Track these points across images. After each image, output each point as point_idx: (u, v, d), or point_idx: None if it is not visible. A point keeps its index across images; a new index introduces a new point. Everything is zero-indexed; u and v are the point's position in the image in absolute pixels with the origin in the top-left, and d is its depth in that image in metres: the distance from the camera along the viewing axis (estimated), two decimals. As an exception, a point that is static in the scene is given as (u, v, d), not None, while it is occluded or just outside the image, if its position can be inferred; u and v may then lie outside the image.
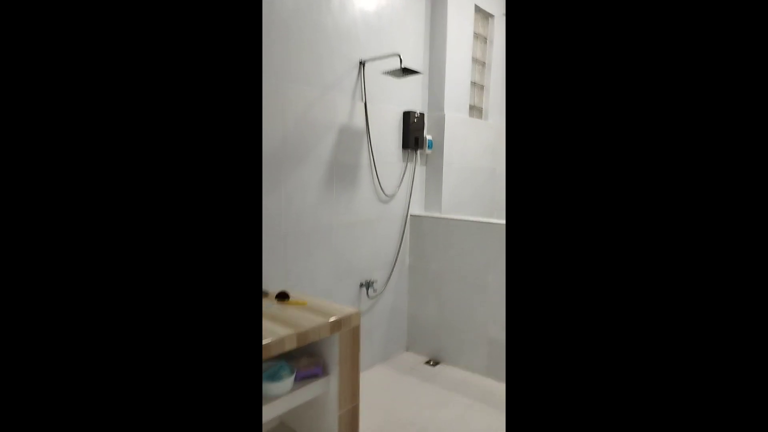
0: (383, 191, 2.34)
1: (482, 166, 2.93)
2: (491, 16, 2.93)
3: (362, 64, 2.13)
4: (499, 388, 2.20)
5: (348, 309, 1.57)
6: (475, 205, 2.87)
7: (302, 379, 1.52)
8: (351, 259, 2.20)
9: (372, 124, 2.22)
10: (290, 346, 1.32)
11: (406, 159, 2.47)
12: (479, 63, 2.93)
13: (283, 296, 1.64)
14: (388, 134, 2.34)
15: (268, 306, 1.58)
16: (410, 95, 2.46)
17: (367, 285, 2.28)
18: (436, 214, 2.53)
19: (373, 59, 2.12)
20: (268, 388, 1.39)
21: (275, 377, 1.43)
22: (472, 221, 2.33)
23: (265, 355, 1.24)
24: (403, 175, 2.46)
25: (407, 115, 2.40)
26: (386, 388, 2.18)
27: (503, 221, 2.27)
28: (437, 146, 2.55)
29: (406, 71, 2.01)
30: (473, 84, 2.86)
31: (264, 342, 1.25)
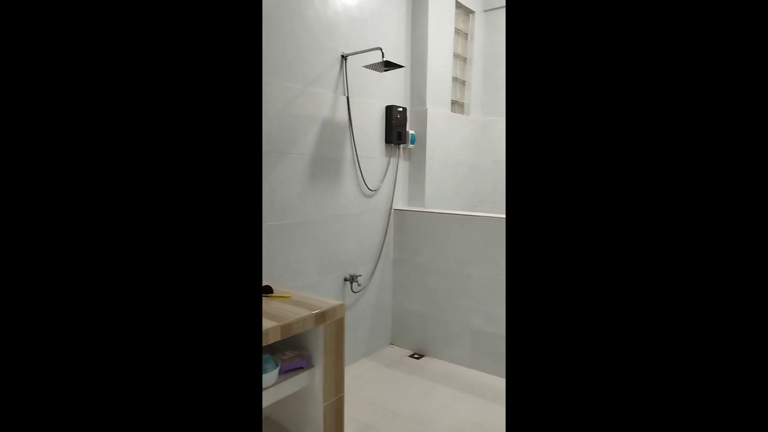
0: (367, 185, 2.35)
1: (464, 161, 2.96)
2: (472, 12, 2.96)
3: (344, 57, 2.12)
4: (483, 379, 2.23)
5: (332, 301, 1.57)
6: (457, 199, 2.90)
7: (286, 371, 1.51)
8: (335, 253, 2.20)
9: (355, 119, 2.22)
10: (274, 338, 1.32)
11: (389, 153, 2.48)
12: (460, 58, 2.96)
13: (266, 290, 1.63)
14: (370, 129, 2.35)
15: (252, 299, 1.56)
16: (392, 90, 2.46)
17: (351, 279, 2.29)
18: (420, 208, 2.55)
19: (356, 53, 2.12)
20: (253, 381, 1.38)
21: (259, 370, 1.43)
22: (455, 215, 2.35)
23: (248, 347, 1.24)
24: (387, 170, 2.47)
25: (390, 110, 2.41)
26: (371, 381, 2.19)
27: (485, 214, 2.30)
28: (420, 141, 2.56)
29: (389, 65, 2.02)
30: (455, 79, 2.88)
31: (248, 334, 1.24)
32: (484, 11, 3.05)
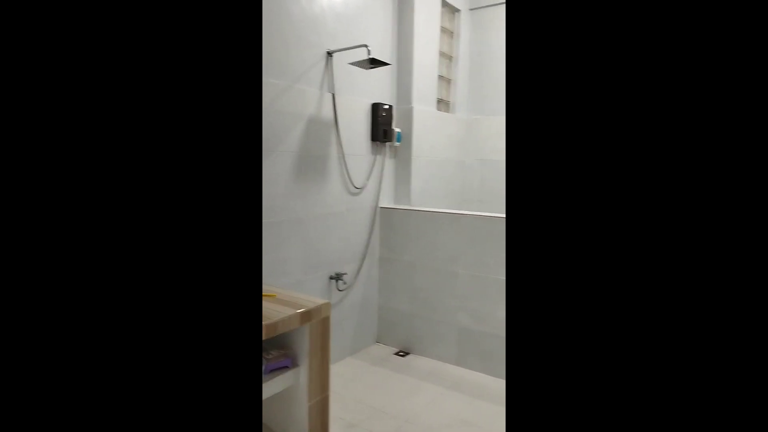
0: (352, 183, 2.34)
1: (450, 159, 2.97)
2: (457, 10, 2.97)
3: (330, 54, 2.11)
4: (470, 377, 2.24)
5: (318, 300, 1.56)
6: (444, 197, 2.90)
7: (272, 371, 1.50)
8: (320, 251, 2.19)
9: (340, 116, 2.20)
10: (259, 337, 1.30)
11: (375, 151, 2.47)
12: (446, 57, 2.97)
13: (250, 289, 1.61)
14: (356, 126, 2.34)
15: (236, 298, 1.54)
16: (378, 87, 2.46)
17: (337, 278, 2.27)
18: (406, 206, 2.55)
19: (341, 50, 2.11)
20: (237, 381, 1.36)
21: (243, 370, 1.41)
22: (442, 213, 2.36)
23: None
24: (372, 168, 2.46)
25: (376, 107, 2.40)
26: (357, 379, 2.18)
27: (472, 212, 2.32)
28: (406, 139, 2.56)
29: (375, 62, 2.01)
30: (441, 78, 2.89)
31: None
32: (470, 10, 3.06)
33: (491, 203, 3.04)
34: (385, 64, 2.05)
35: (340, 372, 2.24)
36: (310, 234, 2.12)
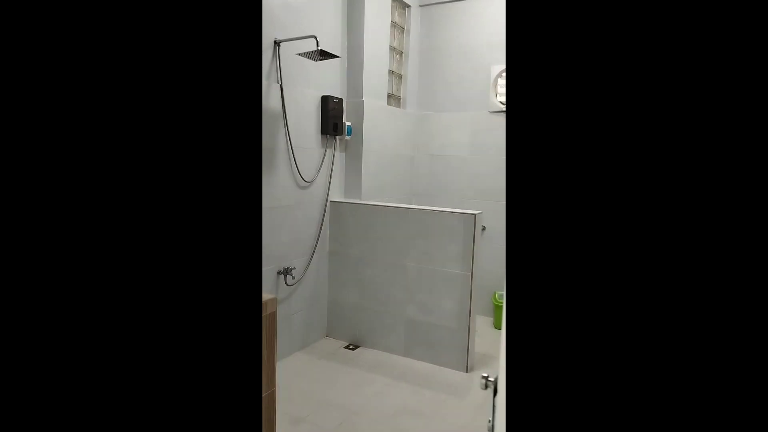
0: (302, 177, 2.31)
1: (401, 154, 3.01)
2: (408, 6, 2.99)
3: (277, 44, 2.06)
4: (416, 366, 2.30)
5: (264, 295, 1.53)
6: (393, 191, 2.94)
7: (214, 369, 1.46)
8: (268, 246, 2.15)
9: (289, 108, 2.16)
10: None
11: (325, 144, 2.45)
12: (397, 52, 2.98)
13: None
14: (305, 119, 2.30)
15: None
16: (328, 80, 2.43)
17: (285, 272, 2.25)
18: (356, 200, 2.55)
19: (289, 39, 2.06)
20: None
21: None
22: (391, 207, 2.39)
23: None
24: (323, 161, 2.44)
25: (325, 100, 2.37)
26: (305, 374, 2.17)
27: (420, 207, 2.36)
28: (356, 133, 2.56)
29: (324, 54, 1.99)
30: (391, 72, 2.91)
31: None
32: (420, 6, 3.09)
33: (439, 197, 3.11)
34: (334, 56, 2.03)
35: (288, 367, 2.22)
36: (256, 228, 2.08)
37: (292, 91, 2.18)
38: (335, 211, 2.54)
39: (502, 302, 2.86)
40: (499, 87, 2.91)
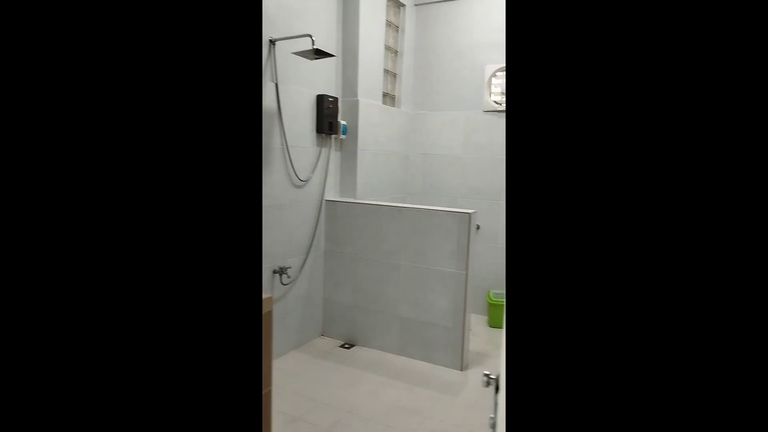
0: (297, 176, 2.30)
1: (395, 152, 3.01)
2: (402, 5, 2.99)
3: (273, 42, 2.05)
4: (411, 365, 2.31)
5: (259, 294, 1.53)
6: (387, 190, 2.94)
7: (210, 368, 1.46)
8: (263, 245, 2.14)
9: (284, 106, 2.16)
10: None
11: (321, 143, 2.45)
12: (392, 51, 2.99)
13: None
14: (301, 117, 2.30)
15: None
16: (324, 79, 2.43)
17: (281, 271, 2.24)
18: (351, 199, 2.55)
19: (285, 38, 2.06)
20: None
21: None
22: (386, 206, 2.39)
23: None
24: (318, 160, 2.44)
25: (321, 99, 2.37)
26: (300, 373, 2.17)
27: (414, 206, 2.37)
28: (351, 132, 2.56)
29: (319, 53, 1.98)
30: (386, 71, 2.91)
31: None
32: (415, 5, 3.09)
33: (433, 196, 3.13)
34: (329, 55, 2.03)
35: (283, 366, 2.22)
36: (251, 227, 2.07)
37: (287, 89, 2.18)
38: (330, 210, 2.54)
39: (496, 301, 2.88)
40: (493, 86, 2.92)
